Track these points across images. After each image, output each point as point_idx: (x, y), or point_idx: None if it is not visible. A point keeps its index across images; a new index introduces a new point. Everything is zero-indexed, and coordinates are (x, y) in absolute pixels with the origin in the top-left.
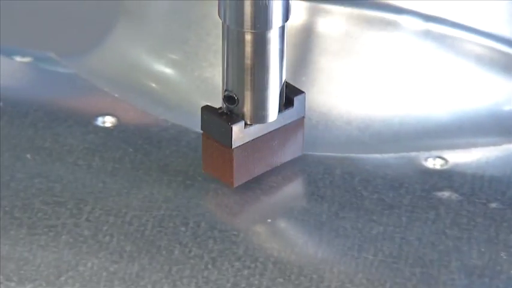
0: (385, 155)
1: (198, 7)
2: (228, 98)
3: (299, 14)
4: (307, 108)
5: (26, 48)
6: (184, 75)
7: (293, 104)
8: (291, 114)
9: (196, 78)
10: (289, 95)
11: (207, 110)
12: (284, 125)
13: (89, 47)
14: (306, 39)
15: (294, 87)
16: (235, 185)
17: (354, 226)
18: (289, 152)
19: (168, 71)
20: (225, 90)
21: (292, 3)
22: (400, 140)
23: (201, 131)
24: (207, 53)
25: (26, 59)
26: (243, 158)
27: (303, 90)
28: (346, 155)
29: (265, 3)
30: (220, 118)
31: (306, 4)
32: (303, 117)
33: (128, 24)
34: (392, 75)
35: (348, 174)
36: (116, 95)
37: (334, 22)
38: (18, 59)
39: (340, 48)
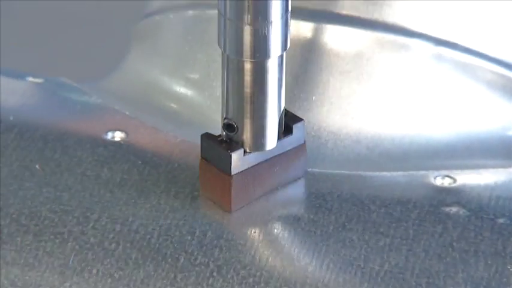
0: (394, 173)
1: (210, 30)
2: (228, 126)
3: (310, 34)
4: (317, 126)
5: (39, 74)
6: (196, 95)
7: (292, 132)
8: (290, 141)
9: (207, 97)
10: (288, 122)
11: (206, 137)
12: (284, 152)
13: (102, 72)
14: (317, 58)
15: (293, 114)
16: (233, 210)
17: (361, 238)
18: (291, 176)
19: (180, 90)
20: (225, 118)
21: (304, 24)
22: (409, 160)
23: (200, 157)
24: (218, 73)
25: (39, 80)
26: (242, 185)
27: (312, 108)
28: (355, 172)
29: (264, 33)
30: (220, 146)
31: (317, 25)
32: (304, 143)
33: (140, 48)
34: (402, 96)
35: (356, 190)
36: (127, 113)
37: (345, 43)
38: (30, 79)
39: (350, 68)
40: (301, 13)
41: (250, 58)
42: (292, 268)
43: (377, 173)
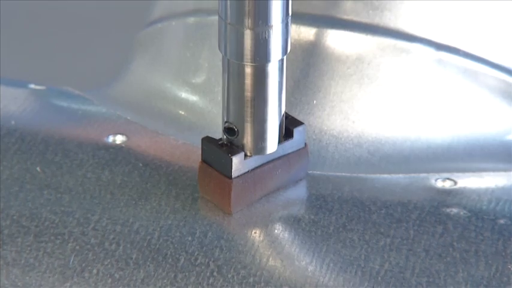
0: (395, 176)
1: (211, 36)
2: (228, 130)
3: (312, 38)
4: (318, 129)
5: (41, 81)
6: (198, 100)
7: (293, 136)
8: (291, 145)
9: (209, 102)
10: (289, 126)
11: (207, 140)
12: (285, 155)
13: (105, 80)
14: (318, 63)
15: (294, 118)
16: (233, 213)
17: (361, 238)
18: (292, 179)
19: (182, 95)
20: (225, 122)
21: (305, 28)
22: (410, 163)
23: (200, 160)
24: (219, 78)
25: (40, 87)
26: (242, 188)
27: (314, 112)
28: (356, 174)
29: (265, 37)
30: (221, 149)
31: (318, 29)
32: (305, 147)
33: (143, 55)
34: (403, 100)
35: (356, 191)
36: (128, 118)
37: (346, 47)
38: (32, 86)
39: (352, 72)
40: (302, 17)
41: (251, 62)
42: (293, 268)
43: (378, 175)
